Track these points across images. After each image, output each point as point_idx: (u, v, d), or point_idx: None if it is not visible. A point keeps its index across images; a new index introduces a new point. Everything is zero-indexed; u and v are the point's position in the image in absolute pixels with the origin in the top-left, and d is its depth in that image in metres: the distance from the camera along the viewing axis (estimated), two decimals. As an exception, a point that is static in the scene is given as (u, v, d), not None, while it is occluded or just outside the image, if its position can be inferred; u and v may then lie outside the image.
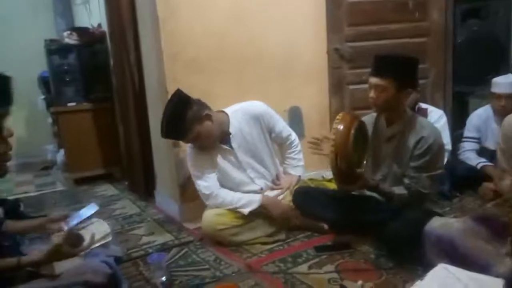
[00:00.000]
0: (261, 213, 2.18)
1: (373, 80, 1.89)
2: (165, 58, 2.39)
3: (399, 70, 1.86)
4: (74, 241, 1.34)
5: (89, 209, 1.52)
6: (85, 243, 1.35)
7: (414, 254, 1.70)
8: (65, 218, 1.51)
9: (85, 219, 1.47)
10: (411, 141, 1.90)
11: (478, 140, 2.82)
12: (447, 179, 2.54)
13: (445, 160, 2.46)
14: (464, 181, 2.64)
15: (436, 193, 2.20)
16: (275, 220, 2.20)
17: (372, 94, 1.90)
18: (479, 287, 1.17)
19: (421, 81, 2.76)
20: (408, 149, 1.91)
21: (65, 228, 1.46)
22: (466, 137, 2.86)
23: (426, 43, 2.96)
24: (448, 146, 2.66)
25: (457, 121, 3.06)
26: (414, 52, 2.51)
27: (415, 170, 1.89)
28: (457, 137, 2.92)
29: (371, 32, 2.89)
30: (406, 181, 1.91)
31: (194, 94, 2.47)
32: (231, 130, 2.17)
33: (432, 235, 1.62)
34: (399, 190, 1.91)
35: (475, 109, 2.93)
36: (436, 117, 2.70)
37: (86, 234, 1.39)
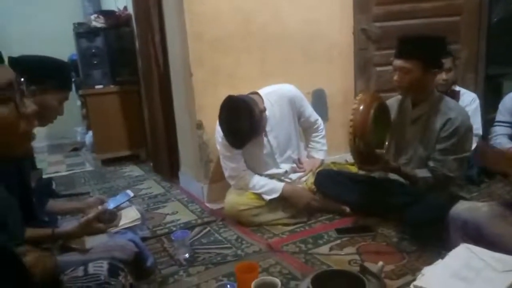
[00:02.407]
0: (282, 199, 2.18)
1: (397, 62, 1.85)
2: (189, 38, 2.39)
3: (423, 51, 1.80)
4: (107, 217, 1.41)
5: (124, 196, 1.62)
6: (115, 222, 1.42)
7: (438, 238, 1.67)
8: (101, 203, 1.59)
9: (120, 205, 1.55)
10: (438, 123, 1.85)
11: (511, 125, 2.70)
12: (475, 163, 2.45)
13: (474, 145, 2.38)
14: (494, 166, 2.55)
15: (463, 178, 2.14)
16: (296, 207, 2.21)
17: (396, 77, 1.86)
18: (503, 267, 1.13)
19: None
20: (435, 131, 1.86)
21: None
22: (498, 121, 2.73)
23: (459, 22, 2.83)
24: (479, 130, 2.56)
25: (490, 105, 2.93)
26: (446, 32, 2.40)
27: (441, 153, 1.84)
28: (489, 121, 2.80)
29: (401, 11, 2.79)
30: (431, 164, 1.87)
31: (219, 76, 2.48)
32: (267, 112, 2.15)
33: (458, 218, 1.58)
34: (422, 173, 1.87)
35: (509, 92, 2.79)
36: (469, 100, 2.60)
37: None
